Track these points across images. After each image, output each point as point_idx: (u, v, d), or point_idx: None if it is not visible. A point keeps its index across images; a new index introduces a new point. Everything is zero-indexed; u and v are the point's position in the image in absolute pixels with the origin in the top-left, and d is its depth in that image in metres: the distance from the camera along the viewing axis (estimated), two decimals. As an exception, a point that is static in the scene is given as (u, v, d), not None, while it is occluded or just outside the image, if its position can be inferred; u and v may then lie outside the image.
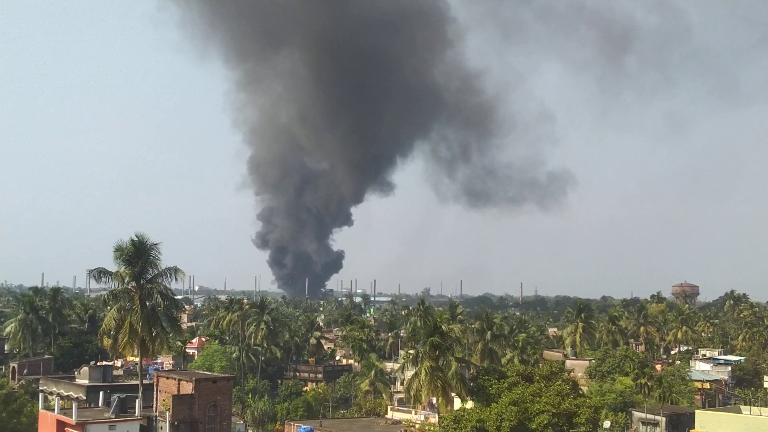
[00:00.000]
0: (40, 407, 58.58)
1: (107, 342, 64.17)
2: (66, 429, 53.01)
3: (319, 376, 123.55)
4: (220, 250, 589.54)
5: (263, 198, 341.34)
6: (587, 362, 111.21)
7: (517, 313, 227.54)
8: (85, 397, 66.26)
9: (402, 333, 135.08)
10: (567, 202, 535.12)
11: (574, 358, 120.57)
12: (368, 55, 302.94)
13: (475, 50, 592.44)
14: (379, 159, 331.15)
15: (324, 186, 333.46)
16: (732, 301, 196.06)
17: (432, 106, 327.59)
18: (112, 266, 62.07)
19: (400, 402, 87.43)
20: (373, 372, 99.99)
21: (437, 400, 63.63)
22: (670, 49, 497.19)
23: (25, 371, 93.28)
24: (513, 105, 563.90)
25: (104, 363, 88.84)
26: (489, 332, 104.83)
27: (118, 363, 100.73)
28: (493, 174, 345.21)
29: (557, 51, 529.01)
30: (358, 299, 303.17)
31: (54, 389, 71.07)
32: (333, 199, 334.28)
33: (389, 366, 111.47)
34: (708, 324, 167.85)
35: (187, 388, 54.50)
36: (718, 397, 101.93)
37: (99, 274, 62.02)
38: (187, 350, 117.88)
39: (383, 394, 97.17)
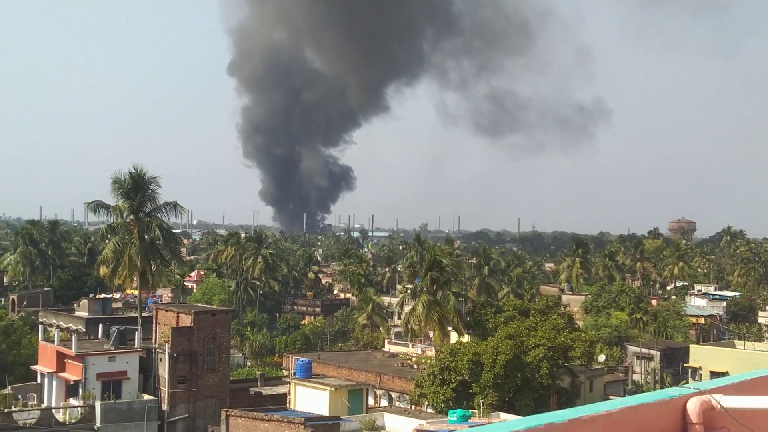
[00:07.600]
0: (39, 339, 58.93)
1: (104, 271, 64.31)
2: (66, 360, 53.45)
3: (317, 309, 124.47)
4: (219, 185, 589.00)
5: (254, 99, 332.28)
6: (583, 297, 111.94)
7: (515, 249, 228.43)
8: (84, 329, 66.78)
9: (399, 268, 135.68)
10: (589, 139, 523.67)
11: (570, 292, 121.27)
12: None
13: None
14: (383, 75, 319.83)
15: (324, 92, 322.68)
16: (729, 237, 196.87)
17: (447, 21, 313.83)
18: (111, 200, 61.91)
19: (398, 335, 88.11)
20: (370, 306, 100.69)
21: (434, 334, 64.09)
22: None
23: (25, 303, 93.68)
24: (541, 27, 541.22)
25: (103, 296, 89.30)
26: (486, 267, 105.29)
27: (117, 296, 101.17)
28: (504, 104, 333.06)
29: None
30: (356, 234, 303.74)
31: (53, 321, 71.56)
32: (336, 109, 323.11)
33: (386, 300, 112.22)
34: (704, 260, 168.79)
35: (186, 320, 54.74)
36: (712, 332, 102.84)
37: (96, 207, 61.96)
38: (185, 284, 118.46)
39: (380, 328, 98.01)
